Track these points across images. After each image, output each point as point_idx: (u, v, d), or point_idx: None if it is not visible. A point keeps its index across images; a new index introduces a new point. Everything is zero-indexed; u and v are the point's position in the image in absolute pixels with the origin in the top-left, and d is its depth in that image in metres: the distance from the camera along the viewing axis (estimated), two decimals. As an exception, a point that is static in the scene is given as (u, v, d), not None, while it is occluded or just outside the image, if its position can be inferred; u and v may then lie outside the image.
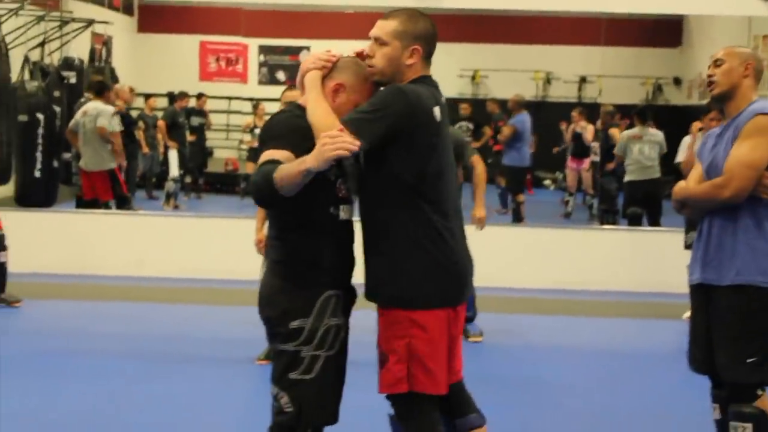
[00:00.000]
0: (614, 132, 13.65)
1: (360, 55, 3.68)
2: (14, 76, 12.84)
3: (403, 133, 3.50)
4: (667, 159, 11.74)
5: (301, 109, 3.60)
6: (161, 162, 16.59)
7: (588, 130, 15.61)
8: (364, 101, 3.57)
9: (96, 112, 11.03)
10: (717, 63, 4.23)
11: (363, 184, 3.63)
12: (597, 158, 14.99)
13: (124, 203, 11.29)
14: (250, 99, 20.33)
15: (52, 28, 14.33)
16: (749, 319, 4.08)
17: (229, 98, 21.49)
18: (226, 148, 21.27)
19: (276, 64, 22.39)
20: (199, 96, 17.99)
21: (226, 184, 19.04)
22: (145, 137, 15.59)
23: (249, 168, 15.86)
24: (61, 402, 5.86)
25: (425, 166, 3.56)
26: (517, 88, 16.88)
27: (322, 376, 3.56)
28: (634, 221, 11.80)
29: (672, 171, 10.44)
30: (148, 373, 6.63)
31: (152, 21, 21.87)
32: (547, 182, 21.26)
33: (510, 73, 21.48)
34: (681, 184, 4.35)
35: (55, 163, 12.86)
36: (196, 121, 17.51)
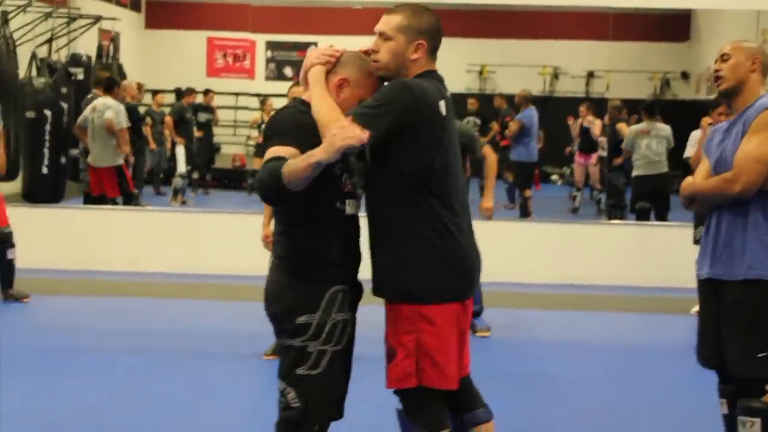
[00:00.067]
0: (622, 127, 13.63)
1: (365, 53, 3.68)
2: (22, 73, 12.85)
3: (408, 127, 3.50)
4: (675, 154, 11.71)
5: (305, 105, 3.60)
6: (169, 158, 16.59)
7: (596, 125, 15.59)
8: (369, 96, 3.57)
9: (104, 108, 11.07)
10: (724, 58, 4.22)
11: (369, 179, 3.63)
12: (604, 153, 14.97)
13: (130, 200, 11.32)
14: (258, 95, 20.32)
15: (60, 24, 14.35)
16: (761, 313, 4.07)
17: (237, 94, 21.48)
18: (233, 144, 21.26)
19: (283, 59, 22.37)
20: (207, 92, 18.00)
21: (233, 179, 19.04)
22: (152, 133, 15.60)
23: (256, 164, 15.85)
24: (68, 398, 5.87)
25: (431, 161, 3.56)
26: (524, 83, 16.84)
27: (329, 371, 3.56)
28: (642, 216, 11.78)
29: (680, 166, 10.42)
30: (155, 368, 6.64)
31: (159, 17, 21.89)
32: (554, 177, 21.23)
33: (517, 68, 21.45)
34: (688, 180, 4.35)
35: (63, 160, 12.87)
36: (203, 117, 17.52)
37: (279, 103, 15.05)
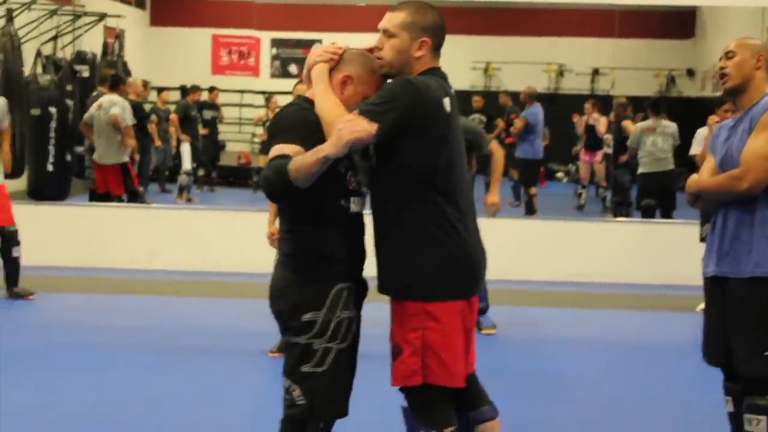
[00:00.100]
0: (627, 124, 13.61)
1: (369, 50, 3.67)
2: (27, 70, 12.86)
3: (412, 124, 3.50)
4: (680, 151, 11.71)
5: (309, 102, 3.60)
6: (174, 155, 16.61)
7: (601, 123, 15.57)
8: (372, 93, 3.57)
9: (110, 105, 11.12)
10: (729, 55, 4.21)
11: (374, 177, 3.63)
12: (610, 150, 14.95)
13: (135, 197, 11.34)
14: (263, 92, 20.31)
15: (65, 22, 14.35)
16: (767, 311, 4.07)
17: (242, 91, 21.49)
18: (238, 142, 21.28)
19: (288, 57, 22.37)
20: (212, 89, 18.01)
21: (238, 177, 19.06)
22: (157, 131, 15.61)
23: (261, 161, 15.86)
24: (73, 394, 5.88)
25: (436, 158, 3.55)
26: (529, 81, 16.83)
27: (334, 368, 3.55)
28: (648, 213, 11.77)
29: (685, 163, 10.41)
30: (159, 365, 6.64)
31: (164, 14, 21.90)
32: (559, 175, 21.22)
33: (522, 65, 21.43)
34: (694, 177, 4.34)
35: (68, 157, 12.88)
36: (208, 114, 17.53)
37: (284, 101, 15.05)
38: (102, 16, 15.32)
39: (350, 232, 3.60)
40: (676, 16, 21.33)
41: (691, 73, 21.95)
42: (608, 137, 15.15)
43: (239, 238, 10.03)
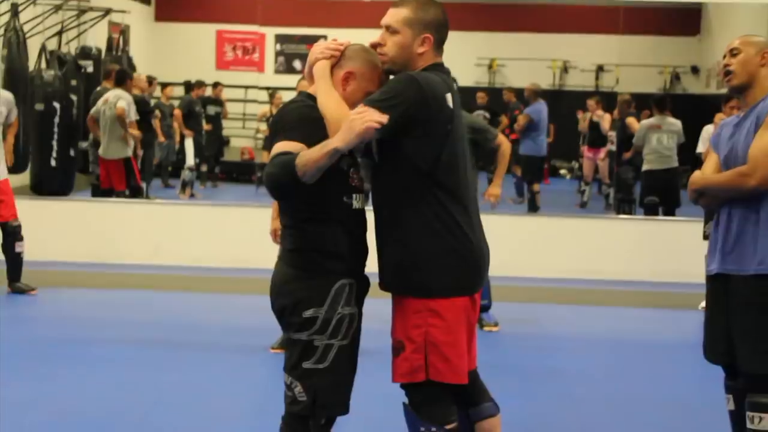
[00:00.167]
0: (631, 121, 13.59)
1: (372, 46, 3.67)
2: (31, 65, 12.87)
3: (416, 120, 3.49)
4: (684, 149, 11.69)
5: (312, 99, 3.59)
6: (177, 151, 16.61)
7: (605, 119, 15.55)
8: (375, 89, 3.56)
9: (116, 99, 11.15)
10: (733, 53, 4.20)
11: (377, 173, 3.62)
12: (613, 147, 14.93)
13: (137, 193, 11.35)
14: (267, 88, 20.31)
15: (70, 17, 14.35)
16: None
17: (246, 87, 21.48)
18: (242, 137, 21.27)
19: (292, 53, 22.35)
20: (216, 85, 18.01)
21: (242, 173, 19.05)
22: (161, 126, 15.61)
23: (265, 157, 15.80)
24: (75, 388, 5.88)
25: (439, 154, 3.55)
26: (534, 77, 16.83)
27: (336, 365, 3.55)
28: (651, 210, 11.76)
29: (688, 160, 10.39)
30: (162, 360, 6.65)
31: (169, 10, 21.90)
32: (563, 171, 21.20)
33: (527, 61, 21.40)
34: (697, 174, 4.32)
35: (72, 152, 12.88)
36: (212, 110, 17.52)
37: (288, 97, 15.04)
38: (107, 12, 15.32)
39: (352, 228, 3.59)
40: (682, 12, 21.29)
41: (695, 70, 21.92)
42: (612, 134, 15.13)
43: (242, 234, 10.03)
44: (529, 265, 10.13)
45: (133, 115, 11.20)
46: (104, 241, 10.47)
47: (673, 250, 10.14)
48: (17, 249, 8.50)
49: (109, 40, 15.92)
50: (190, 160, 15.97)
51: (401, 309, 3.61)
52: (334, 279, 3.55)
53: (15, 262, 8.56)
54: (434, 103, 3.52)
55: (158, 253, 10.36)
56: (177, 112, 16.30)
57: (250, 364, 6.67)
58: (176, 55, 21.08)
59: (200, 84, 17.02)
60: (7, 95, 8.67)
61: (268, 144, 3.69)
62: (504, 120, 17.08)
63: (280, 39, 22.39)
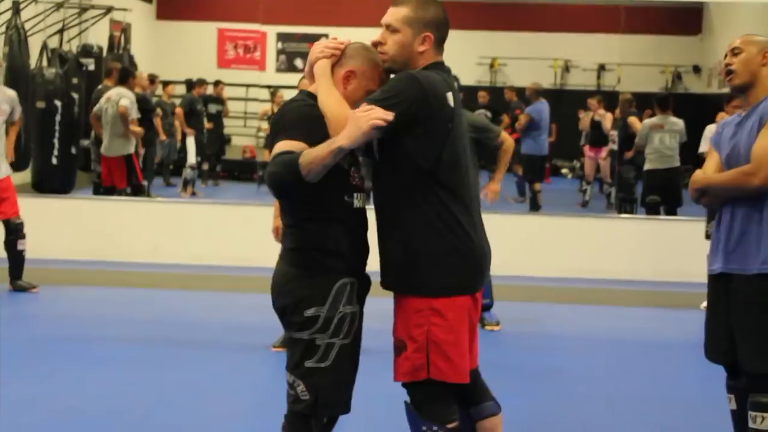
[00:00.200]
0: (633, 120, 13.58)
1: (373, 44, 3.66)
2: (33, 63, 12.87)
3: (417, 118, 3.49)
4: (686, 148, 11.68)
5: (313, 97, 3.59)
6: (179, 149, 16.61)
7: (607, 119, 15.55)
8: (376, 87, 3.56)
9: (119, 97, 11.17)
10: (734, 52, 4.19)
11: (378, 172, 3.62)
12: (615, 147, 14.92)
13: (138, 191, 11.36)
14: (268, 86, 20.31)
15: (71, 15, 14.36)
16: None
17: (247, 86, 21.48)
18: (243, 136, 21.27)
19: (294, 51, 22.34)
20: (217, 83, 18.01)
21: (243, 171, 19.05)
22: (162, 124, 15.62)
23: (266, 155, 15.75)
24: (75, 388, 5.88)
25: (440, 152, 3.54)
26: (535, 76, 16.82)
27: (338, 364, 3.55)
28: (652, 210, 11.76)
29: (690, 160, 10.38)
30: (163, 359, 6.64)
31: (171, 8, 21.90)
32: (564, 171, 21.19)
33: (528, 61, 21.39)
34: (699, 173, 4.31)
35: (73, 150, 12.88)
36: (213, 108, 17.52)
37: (289, 95, 15.02)
38: (108, 10, 15.32)
39: (353, 227, 3.59)
40: (683, 12, 21.28)
41: (697, 69, 21.91)
42: (613, 133, 15.12)
43: (243, 233, 10.03)
44: (530, 264, 10.13)
45: (134, 113, 11.21)
46: (105, 239, 10.47)
47: (675, 250, 10.14)
48: (19, 247, 8.50)
49: (111, 38, 15.92)
50: (192, 158, 15.97)
51: (403, 308, 3.61)
52: (335, 278, 3.55)
53: (17, 260, 8.57)
54: (435, 101, 3.52)
55: (159, 252, 10.36)
56: (178, 110, 16.30)
57: (251, 362, 6.67)
58: (178, 53, 21.07)
59: (202, 82, 17.01)
60: (11, 93, 8.69)
61: (270, 142, 3.68)
62: (505, 119, 17.07)
63: (282, 37, 22.39)
